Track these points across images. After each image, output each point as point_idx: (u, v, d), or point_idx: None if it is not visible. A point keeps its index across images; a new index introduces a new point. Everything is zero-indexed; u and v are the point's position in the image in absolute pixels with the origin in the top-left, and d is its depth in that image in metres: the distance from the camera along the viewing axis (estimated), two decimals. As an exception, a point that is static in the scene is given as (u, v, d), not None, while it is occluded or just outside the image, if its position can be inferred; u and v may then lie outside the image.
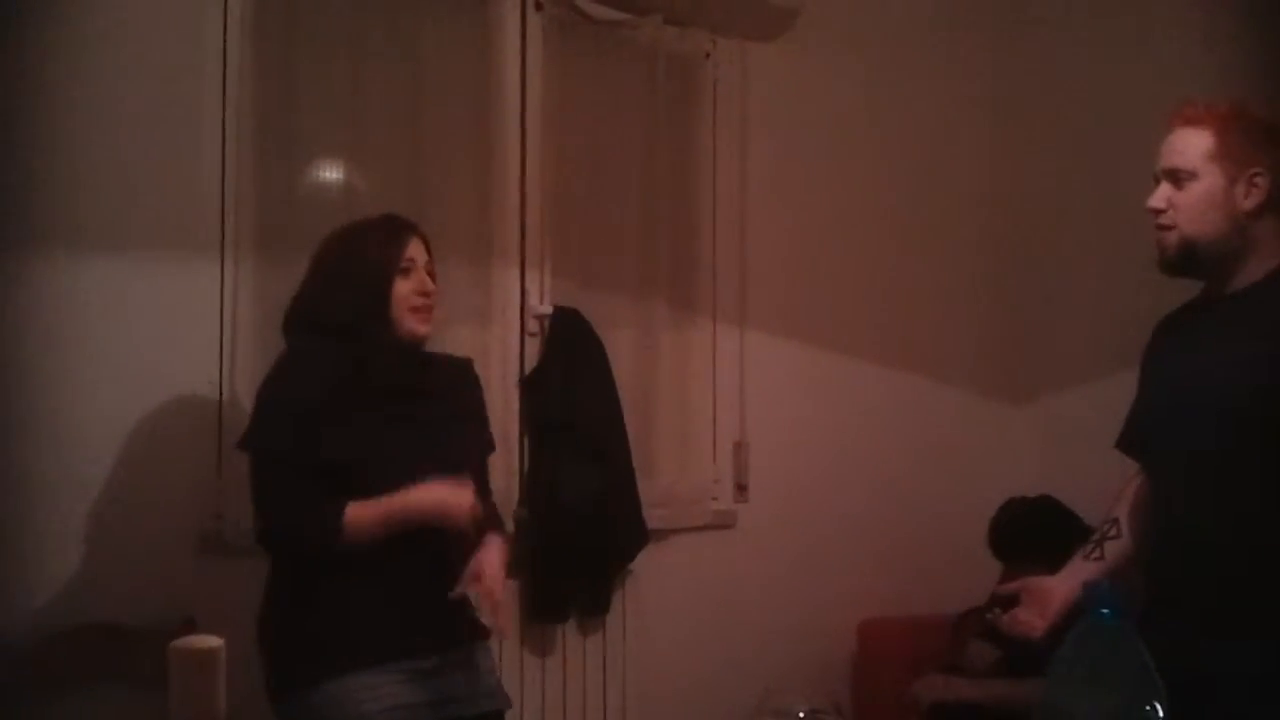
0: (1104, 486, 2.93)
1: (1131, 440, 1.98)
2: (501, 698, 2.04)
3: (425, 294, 2.00)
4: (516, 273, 2.78)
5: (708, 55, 3.12)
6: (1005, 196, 3.51)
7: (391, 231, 2.02)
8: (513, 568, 2.13)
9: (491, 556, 1.94)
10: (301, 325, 2.00)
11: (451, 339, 2.48)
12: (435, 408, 2.02)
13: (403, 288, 1.98)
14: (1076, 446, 3.37)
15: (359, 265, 1.98)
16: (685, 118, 3.08)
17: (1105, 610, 1.19)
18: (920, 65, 3.40)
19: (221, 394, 2.37)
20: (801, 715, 1.80)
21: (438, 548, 1.92)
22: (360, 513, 1.86)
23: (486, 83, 2.73)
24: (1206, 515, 1.76)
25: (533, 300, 2.80)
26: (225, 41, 2.41)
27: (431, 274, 2.05)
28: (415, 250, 2.02)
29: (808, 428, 3.20)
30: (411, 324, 1.99)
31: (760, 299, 3.15)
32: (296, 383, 1.93)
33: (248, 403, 2.09)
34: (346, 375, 1.92)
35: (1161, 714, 1.13)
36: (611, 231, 2.94)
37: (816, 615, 3.13)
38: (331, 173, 2.57)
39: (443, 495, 1.88)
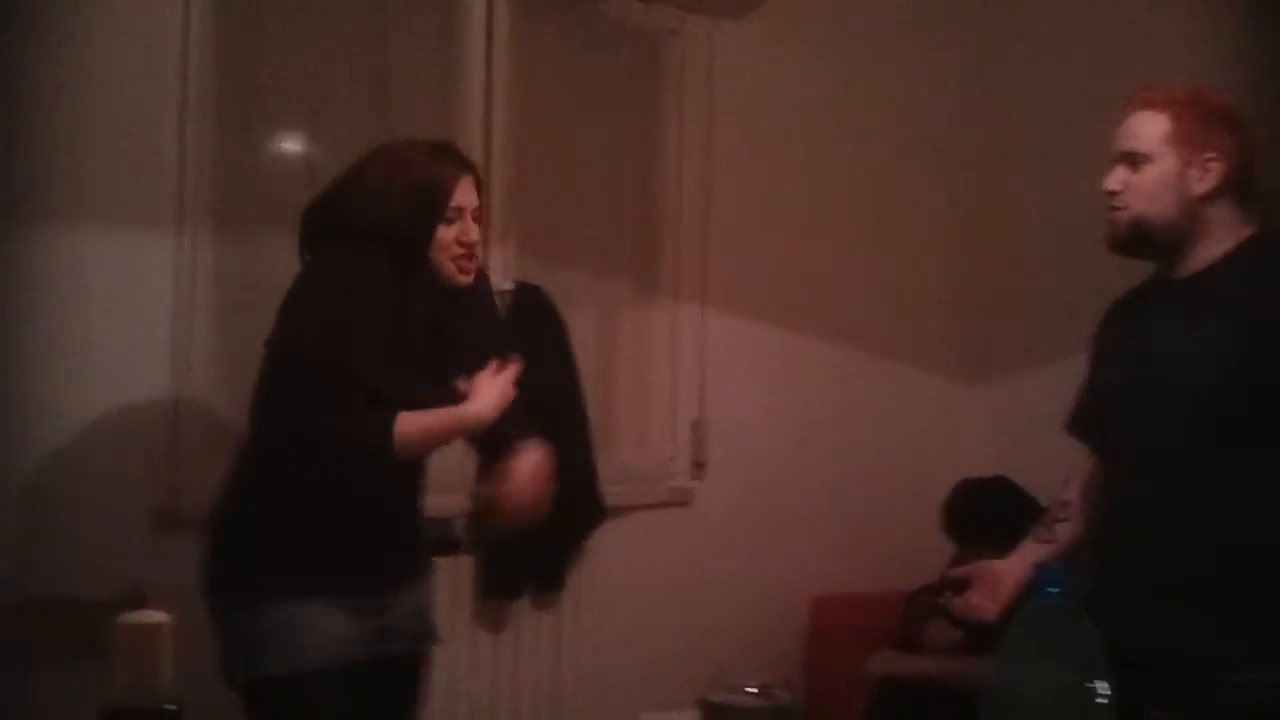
0: (1058, 468, 2.98)
1: (1081, 422, 2.00)
2: (434, 636, 2.04)
3: (468, 244, 1.89)
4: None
5: (675, 32, 3.11)
6: (967, 180, 3.54)
7: (442, 166, 1.89)
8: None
9: (523, 465, 1.90)
10: (334, 230, 1.87)
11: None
12: (465, 357, 1.92)
13: (446, 235, 1.87)
14: (1031, 428, 3.41)
15: (406, 188, 1.85)
16: (651, 95, 3.07)
17: (1054, 590, 1.21)
18: (888, 46, 3.42)
19: (178, 367, 2.34)
20: (752, 691, 1.82)
21: (403, 487, 1.91)
22: (409, 425, 1.78)
23: (451, 58, 2.71)
24: (1158, 496, 1.78)
25: (495, 276, 2.79)
26: (188, 12, 2.37)
27: (478, 219, 1.93)
28: (464, 194, 1.89)
29: (766, 406, 3.22)
30: (452, 272, 1.89)
31: (723, 278, 3.16)
32: (352, 290, 1.81)
33: (204, 375, 2.07)
34: (394, 297, 1.84)
35: (1109, 692, 1.15)
36: (575, 209, 2.93)
37: (770, 592, 3.16)
38: (293, 146, 2.54)
39: (483, 411, 1.84)
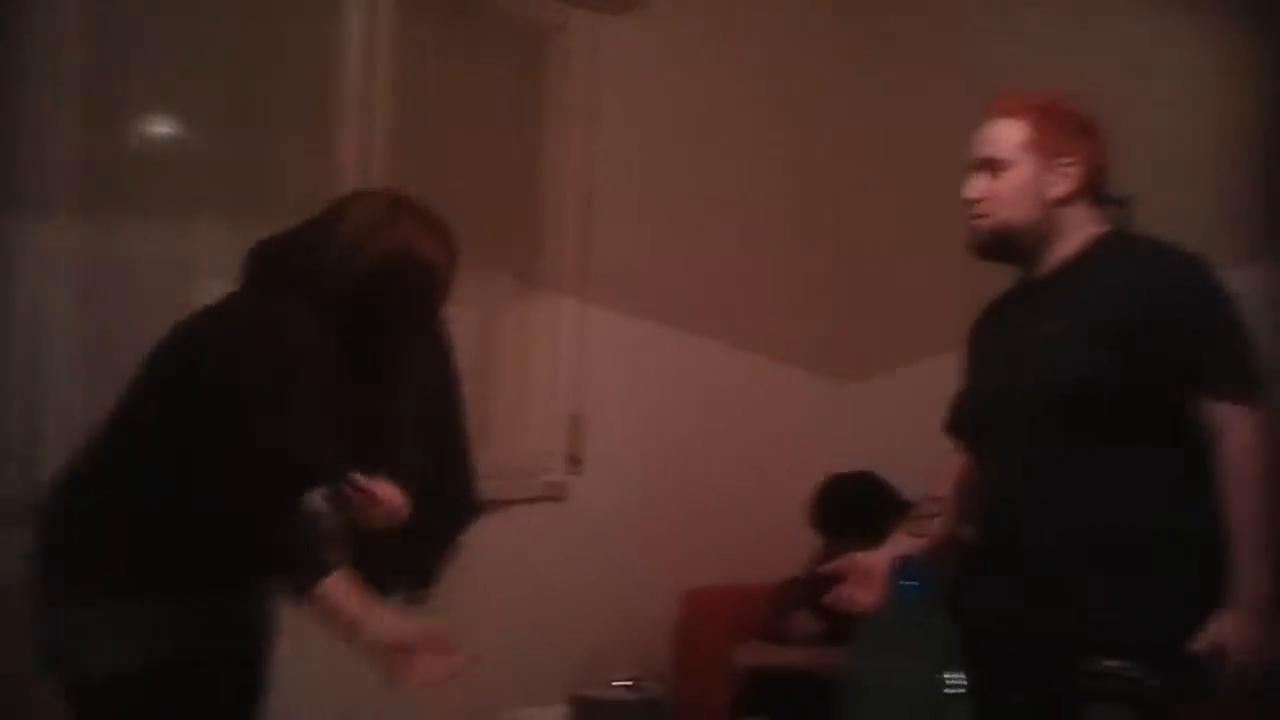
0: (925, 464, 3.07)
1: (955, 423, 2.05)
2: (272, 631, 1.92)
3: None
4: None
5: (560, 27, 3.10)
6: (845, 182, 3.62)
7: (439, 251, 1.72)
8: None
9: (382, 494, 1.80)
10: (288, 279, 1.67)
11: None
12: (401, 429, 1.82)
13: None
14: (899, 425, 3.53)
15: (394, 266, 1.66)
16: (535, 90, 3.06)
17: (910, 583, 1.25)
18: (770, 44, 3.47)
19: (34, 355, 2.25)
20: (623, 684, 1.84)
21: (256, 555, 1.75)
22: (334, 591, 1.59)
23: (331, 46, 2.66)
24: (1022, 493, 1.83)
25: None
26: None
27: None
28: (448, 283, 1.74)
29: (643, 402, 3.24)
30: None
31: (605, 274, 3.17)
32: (314, 369, 1.62)
33: (63, 364, 1.97)
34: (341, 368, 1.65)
35: (962, 682, 1.20)
36: (456, 202, 2.89)
37: (643, 585, 3.19)
38: (163, 131, 2.45)
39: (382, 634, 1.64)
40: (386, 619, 1.64)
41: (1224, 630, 1.65)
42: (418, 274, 1.72)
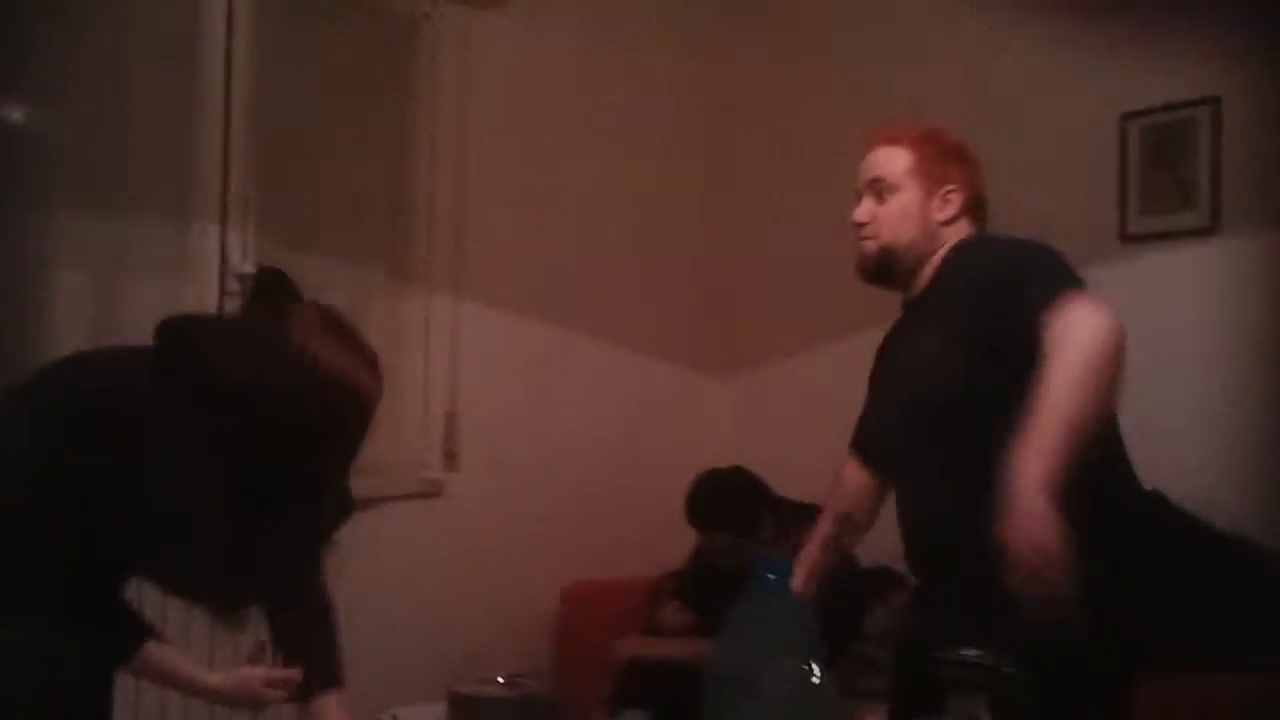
0: (798, 458, 3.13)
1: (858, 443, 2.09)
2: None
3: None
4: (217, 229, 2.65)
5: (427, 17, 3.06)
6: (718, 176, 3.67)
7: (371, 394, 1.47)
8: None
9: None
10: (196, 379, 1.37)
11: (140, 295, 2.33)
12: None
13: None
14: (774, 419, 3.60)
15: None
16: (404, 80, 3.01)
17: (771, 576, 1.27)
18: (639, 39, 3.48)
19: None
20: (501, 681, 1.83)
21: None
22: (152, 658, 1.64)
23: (191, 30, 2.57)
24: (932, 513, 1.84)
25: (235, 258, 2.68)
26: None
27: None
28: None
29: (520, 398, 3.23)
30: None
31: (478, 268, 3.14)
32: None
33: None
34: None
35: (820, 675, 1.22)
36: (323, 193, 2.84)
37: (522, 581, 3.18)
38: (16, 117, 2.34)
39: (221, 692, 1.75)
40: (211, 678, 1.75)
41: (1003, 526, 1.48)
42: (349, 401, 1.49)
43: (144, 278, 2.46)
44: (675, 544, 2.97)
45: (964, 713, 1.30)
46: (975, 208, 1.92)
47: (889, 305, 1.99)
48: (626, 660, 2.81)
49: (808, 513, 2.94)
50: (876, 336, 2.05)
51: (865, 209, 1.91)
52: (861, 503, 2.06)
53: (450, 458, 3.13)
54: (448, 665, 2.37)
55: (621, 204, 3.46)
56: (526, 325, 3.26)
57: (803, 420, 3.54)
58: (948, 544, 1.80)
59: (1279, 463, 2.49)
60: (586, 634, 3.13)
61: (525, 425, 3.23)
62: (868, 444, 2.06)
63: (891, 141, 1.92)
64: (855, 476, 2.07)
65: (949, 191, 1.89)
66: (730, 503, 2.77)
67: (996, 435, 1.58)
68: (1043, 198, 2.67)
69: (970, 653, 1.32)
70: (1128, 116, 2.74)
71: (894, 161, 1.90)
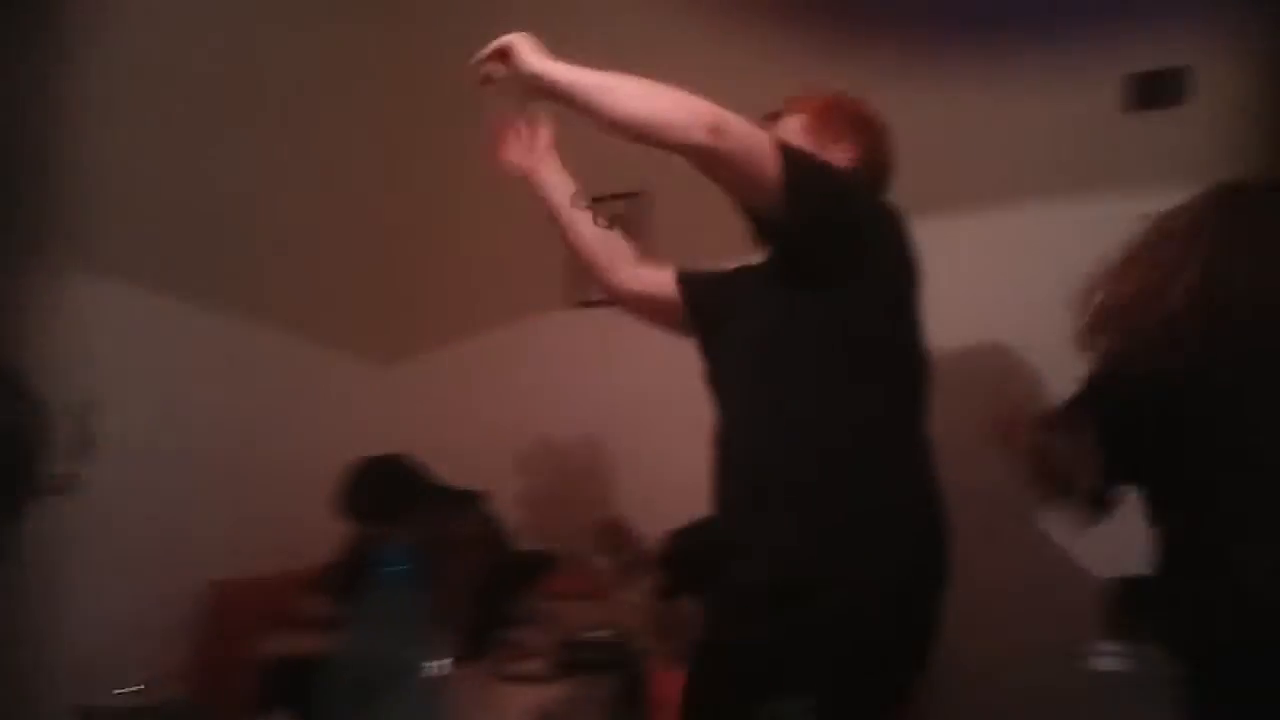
0: (458, 446, 3.16)
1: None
2: None
3: None
4: None
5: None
6: (383, 158, 3.63)
7: None
8: None
9: None
10: None
11: None
12: None
13: None
14: (434, 407, 3.61)
15: None
16: (40, 47, 2.77)
17: (392, 567, 1.30)
18: (308, 15, 3.39)
19: None
20: (135, 690, 1.76)
21: None
22: None
23: None
24: (735, 440, 1.94)
25: None
26: None
27: None
28: None
29: (162, 384, 3.06)
30: None
31: (115, 247, 2.95)
32: None
33: None
34: None
35: (432, 663, 1.27)
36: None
37: (164, 580, 3.03)
38: None
39: None
40: None
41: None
42: None
43: None
44: (328, 536, 2.93)
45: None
46: (870, 171, 2.03)
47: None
48: (273, 658, 2.75)
49: (466, 499, 3.01)
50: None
51: None
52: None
53: (84, 449, 2.92)
54: (78, 676, 2.23)
55: (279, 182, 3.35)
56: (174, 308, 3.10)
57: (463, 407, 3.60)
58: (738, 477, 1.89)
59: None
60: (232, 632, 3.02)
61: (169, 414, 3.07)
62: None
63: (794, 109, 2.05)
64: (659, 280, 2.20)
65: (840, 152, 2.00)
66: (385, 492, 2.77)
67: (800, 371, 1.79)
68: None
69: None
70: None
71: (792, 123, 2.02)
